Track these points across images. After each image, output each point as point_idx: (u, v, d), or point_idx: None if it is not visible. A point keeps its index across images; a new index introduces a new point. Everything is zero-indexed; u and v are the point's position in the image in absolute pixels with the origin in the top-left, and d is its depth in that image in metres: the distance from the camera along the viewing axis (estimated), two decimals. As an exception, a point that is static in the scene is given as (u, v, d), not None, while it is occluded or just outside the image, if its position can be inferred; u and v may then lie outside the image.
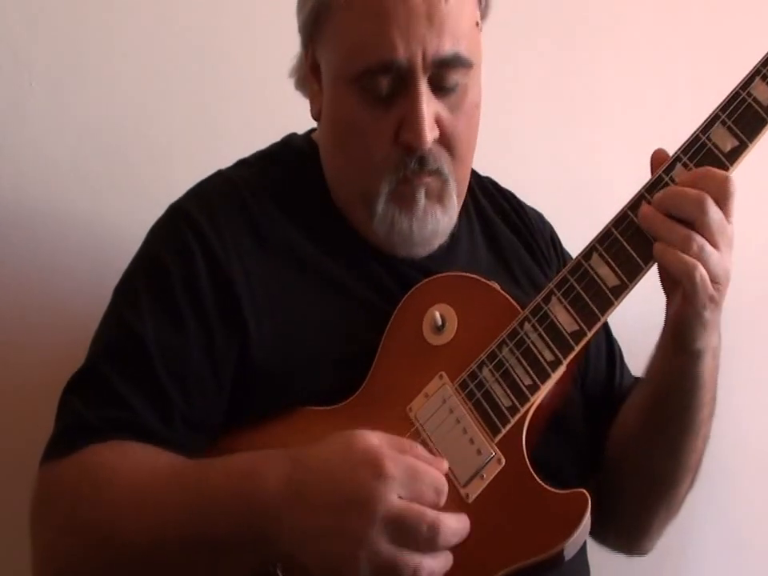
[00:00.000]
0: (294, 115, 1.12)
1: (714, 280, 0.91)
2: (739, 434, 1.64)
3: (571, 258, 1.20)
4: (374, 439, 0.83)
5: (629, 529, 1.15)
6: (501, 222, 1.19)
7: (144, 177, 1.34)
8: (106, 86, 1.34)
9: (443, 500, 0.82)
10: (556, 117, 1.60)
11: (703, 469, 1.62)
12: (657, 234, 0.92)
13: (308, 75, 1.06)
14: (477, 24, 1.02)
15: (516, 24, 1.51)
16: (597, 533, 1.10)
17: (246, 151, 1.14)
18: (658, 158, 0.97)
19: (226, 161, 1.12)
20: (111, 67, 1.34)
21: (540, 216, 1.25)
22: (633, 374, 1.20)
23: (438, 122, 0.99)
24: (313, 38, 1.03)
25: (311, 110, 1.07)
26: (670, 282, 0.94)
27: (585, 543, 1.07)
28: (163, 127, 1.37)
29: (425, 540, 0.80)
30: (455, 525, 0.83)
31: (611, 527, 1.12)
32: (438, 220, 1.02)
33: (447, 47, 0.96)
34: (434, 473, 0.83)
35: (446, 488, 0.83)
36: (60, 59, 1.32)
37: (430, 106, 0.97)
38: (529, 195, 1.27)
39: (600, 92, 1.63)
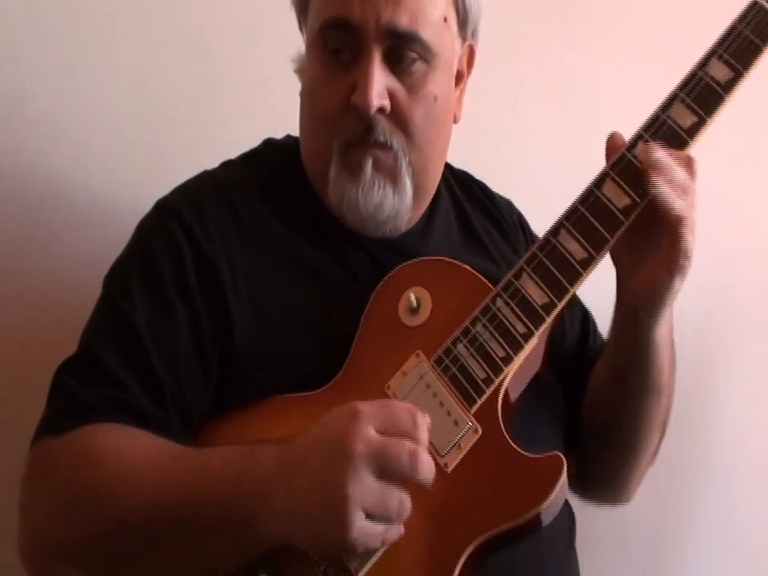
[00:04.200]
0: (295, 112, 1.12)
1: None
2: (739, 434, 1.64)
3: (541, 240, 1.25)
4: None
5: (609, 483, 1.19)
6: (475, 208, 1.22)
7: (144, 176, 1.36)
8: (106, 86, 1.36)
9: (421, 428, 0.82)
10: (555, 118, 1.61)
11: (703, 468, 1.63)
12: (661, 167, 0.95)
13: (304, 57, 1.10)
14: (445, 20, 1.04)
15: (516, 23, 1.55)
16: (581, 489, 1.16)
17: (248, 147, 1.16)
18: (614, 142, 1.00)
19: (228, 158, 1.14)
20: (111, 67, 1.36)
21: (509, 203, 1.29)
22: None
23: (392, 96, 1.02)
24: (303, 18, 1.08)
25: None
26: (635, 256, 0.97)
27: (573, 533, 1.09)
28: (163, 127, 1.38)
29: (407, 469, 0.80)
30: (430, 458, 0.82)
31: (593, 483, 1.17)
32: (386, 195, 1.03)
33: (404, 22, 0.99)
34: (408, 405, 0.84)
35: (421, 416, 0.82)
36: (60, 59, 1.33)
37: (381, 76, 1.00)
38: (526, 195, 1.30)
39: (599, 91, 1.64)
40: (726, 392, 1.62)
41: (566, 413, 1.12)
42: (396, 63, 1.02)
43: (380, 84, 1.00)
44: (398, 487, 0.81)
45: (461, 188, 1.24)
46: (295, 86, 1.10)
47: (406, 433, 0.82)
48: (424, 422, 0.83)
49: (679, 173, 0.95)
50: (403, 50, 1.01)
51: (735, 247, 1.64)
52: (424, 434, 0.82)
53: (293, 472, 0.82)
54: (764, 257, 1.67)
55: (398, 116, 1.02)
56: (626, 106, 1.56)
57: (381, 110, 1.01)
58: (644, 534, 1.58)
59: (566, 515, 1.06)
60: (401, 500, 0.81)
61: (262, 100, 1.41)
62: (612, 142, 1.01)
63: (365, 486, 0.78)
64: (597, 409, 1.12)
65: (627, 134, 0.97)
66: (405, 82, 1.02)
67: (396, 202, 1.05)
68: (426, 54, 1.02)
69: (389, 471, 0.80)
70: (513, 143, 1.57)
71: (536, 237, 1.26)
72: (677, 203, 0.94)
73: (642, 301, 1.00)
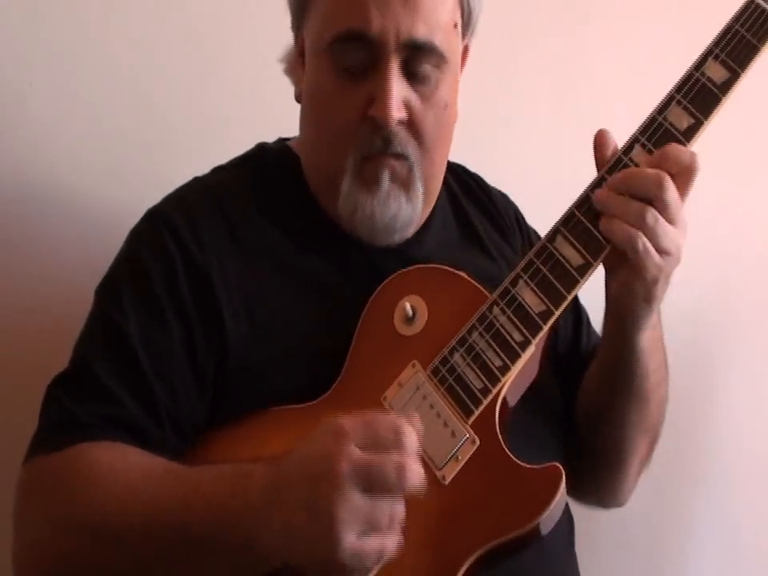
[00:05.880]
0: (294, 113, 1.11)
1: (666, 252, 0.93)
2: (739, 434, 1.64)
3: (536, 234, 1.24)
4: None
5: (600, 488, 1.18)
6: (472, 204, 1.21)
7: (144, 176, 1.35)
8: (106, 86, 1.35)
9: (406, 438, 0.78)
10: (553, 112, 1.60)
11: (703, 469, 1.63)
12: (613, 211, 0.94)
13: (297, 60, 1.08)
14: (455, 25, 1.04)
15: (516, 22, 1.54)
16: (578, 493, 1.14)
17: (246, 148, 1.15)
18: (601, 140, 0.99)
19: (226, 158, 1.14)
20: (111, 67, 1.35)
21: (505, 197, 1.28)
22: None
23: (408, 107, 1.00)
24: (300, 19, 1.06)
25: (294, 93, 1.09)
26: (614, 257, 0.96)
27: (573, 537, 1.08)
28: (163, 126, 1.38)
29: (394, 482, 0.77)
30: (419, 466, 0.79)
31: (587, 487, 1.15)
32: (401, 205, 1.03)
33: (421, 33, 0.98)
34: (391, 417, 0.81)
35: (406, 426, 0.79)
36: (60, 59, 1.33)
37: (400, 88, 0.99)
38: (523, 191, 1.29)
39: (598, 86, 1.63)
40: (725, 392, 1.62)
41: (561, 411, 1.11)
42: (411, 72, 1.01)
43: (399, 97, 0.99)
44: (388, 499, 0.78)
45: (457, 183, 1.22)
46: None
47: (390, 446, 0.78)
48: (409, 431, 0.79)
49: (633, 206, 0.93)
50: (420, 61, 1.00)
51: (735, 247, 1.64)
52: (410, 443, 0.79)
53: (282, 493, 0.81)
54: (764, 257, 1.66)
55: (413, 126, 1.02)
56: (624, 100, 1.56)
57: (399, 121, 1.00)
58: (644, 534, 1.57)
59: (565, 518, 1.05)
60: (391, 511, 0.78)
61: (261, 102, 1.40)
62: (599, 141, 1.00)
63: (352, 505, 0.76)
64: (586, 413, 1.12)
65: (627, 129, 0.96)
66: (419, 91, 1.01)
67: (410, 210, 1.04)
68: (440, 62, 1.01)
69: (375, 486, 0.77)
70: (510, 138, 1.56)
71: (532, 232, 1.26)
72: (630, 241, 0.92)
73: (620, 304, 0.99)
